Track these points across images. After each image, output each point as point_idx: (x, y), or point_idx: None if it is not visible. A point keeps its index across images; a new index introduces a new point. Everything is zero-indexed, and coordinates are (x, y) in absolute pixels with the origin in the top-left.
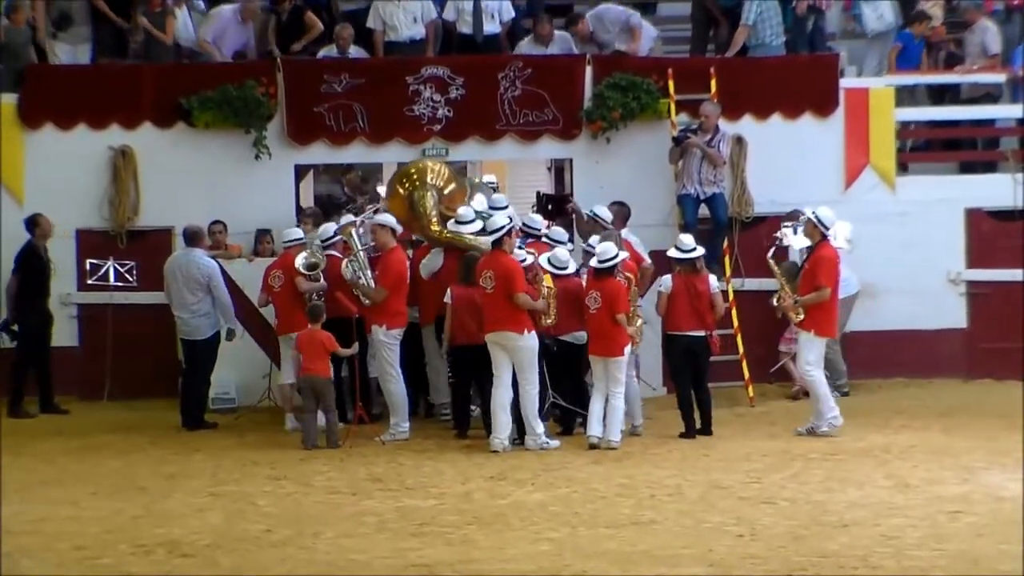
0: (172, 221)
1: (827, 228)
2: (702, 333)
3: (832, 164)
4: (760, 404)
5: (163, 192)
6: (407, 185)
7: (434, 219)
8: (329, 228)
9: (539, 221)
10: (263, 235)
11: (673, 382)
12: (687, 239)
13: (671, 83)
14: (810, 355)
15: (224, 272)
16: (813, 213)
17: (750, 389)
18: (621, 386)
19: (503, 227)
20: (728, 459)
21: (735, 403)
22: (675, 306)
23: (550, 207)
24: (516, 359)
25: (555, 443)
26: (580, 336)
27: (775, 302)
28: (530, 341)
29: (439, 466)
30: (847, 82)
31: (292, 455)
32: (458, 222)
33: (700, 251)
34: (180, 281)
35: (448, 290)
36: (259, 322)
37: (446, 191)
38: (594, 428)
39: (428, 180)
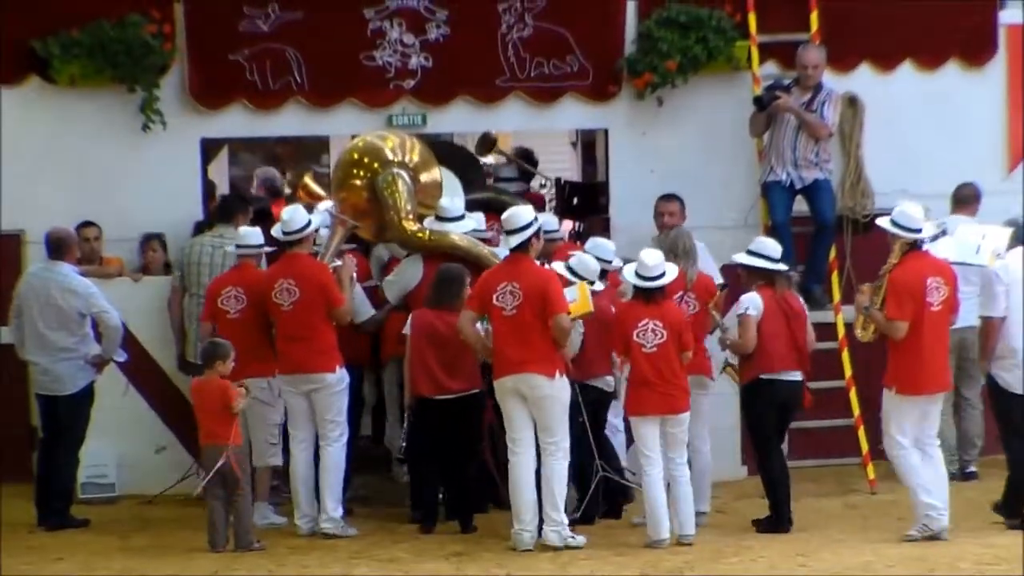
0: (22, 222)
1: (914, 232)
2: (799, 376)
3: (989, 136)
4: (885, 490)
5: (9, 180)
6: (361, 172)
7: (409, 214)
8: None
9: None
10: (151, 241)
11: (759, 449)
12: (771, 243)
13: (752, 17)
14: (892, 420)
15: None
16: (890, 219)
17: (870, 468)
18: (685, 452)
19: (528, 224)
20: (839, 569)
21: (848, 488)
22: (769, 336)
23: (576, 200)
24: (542, 415)
25: (580, 539)
26: (609, 381)
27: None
28: (563, 390)
29: None
30: (1010, 15)
31: (199, 565)
32: (440, 218)
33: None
34: (37, 310)
35: (408, 317)
36: (151, 370)
37: (421, 177)
38: (662, 526)
39: (389, 158)
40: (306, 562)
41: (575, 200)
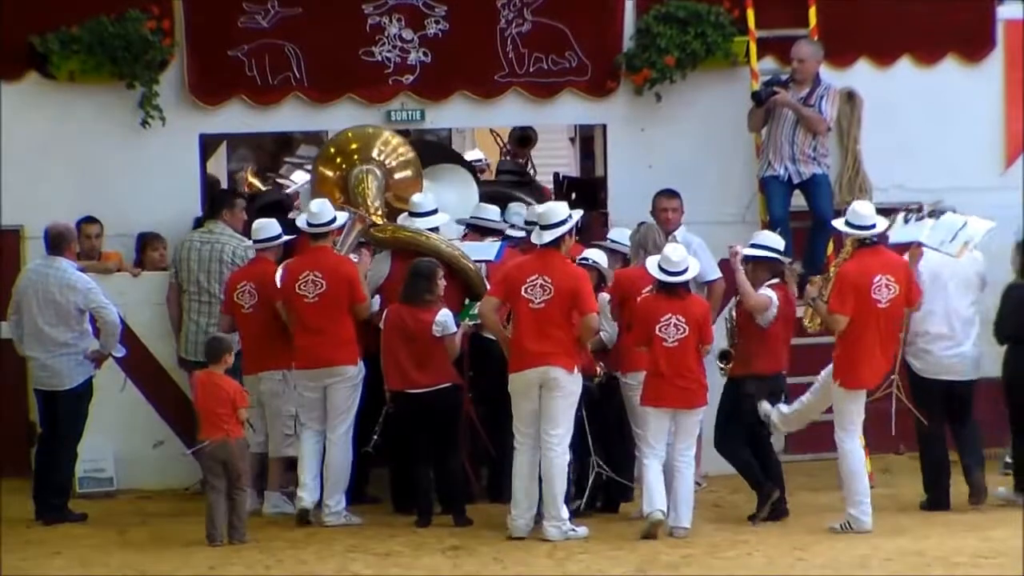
0: (22, 218)
1: (866, 229)
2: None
3: (986, 131)
4: (884, 483)
5: (8, 175)
6: (340, 161)
7: (377, 209)
8: None
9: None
10: (151, 240)
11: (730, 439)
12: (773, 235)
13: (751, 13)
14: (843, 415)
15: None
16: (844, 220)
17: (868, 462)
18: (693, 445)
19: (564, 221)
20: (836, 564)
21: None
22: (774, 339)
23: (574, 195)
24: (551, 406)
25: (582, 531)
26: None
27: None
28: (577, 384)
29: None
30: (1008, 10)
31: (197, 559)
32: (412, 214)
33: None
34: (36, 305)
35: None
36: (149, 366)
37: (397, 175)
38: (656, 499)
39: (374, 155)
40: (303, 556)
41: (573, 195)
